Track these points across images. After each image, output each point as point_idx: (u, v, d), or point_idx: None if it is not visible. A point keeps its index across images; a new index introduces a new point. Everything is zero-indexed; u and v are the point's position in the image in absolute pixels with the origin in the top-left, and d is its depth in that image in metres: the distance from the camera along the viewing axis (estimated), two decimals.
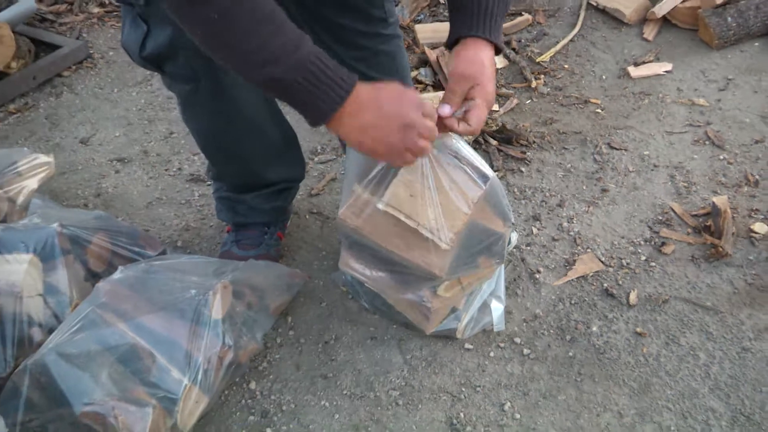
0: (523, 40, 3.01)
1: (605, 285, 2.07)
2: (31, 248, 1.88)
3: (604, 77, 2.83)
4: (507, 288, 2.02)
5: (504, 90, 2.74)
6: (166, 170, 2.52)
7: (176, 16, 1.42)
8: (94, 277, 1.98)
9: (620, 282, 2.08)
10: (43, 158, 2.26)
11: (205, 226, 2.33)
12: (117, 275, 1.88)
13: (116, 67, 2.98)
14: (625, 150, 2.51)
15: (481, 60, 1.63)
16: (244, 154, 2.01)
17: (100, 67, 2.98)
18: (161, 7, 1.60)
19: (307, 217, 2.31)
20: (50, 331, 1.81)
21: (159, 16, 1.65)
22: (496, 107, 2.66)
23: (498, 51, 1.65)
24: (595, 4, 3.10)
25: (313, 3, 1.92)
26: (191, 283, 1.85)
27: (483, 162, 1.69)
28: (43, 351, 1.68)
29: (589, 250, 2.18)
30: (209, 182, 2.38)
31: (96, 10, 3.24)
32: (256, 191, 2.10)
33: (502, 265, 1.92)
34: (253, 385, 1.90)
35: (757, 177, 2.38)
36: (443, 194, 1.61)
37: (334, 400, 1.86)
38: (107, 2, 3.28)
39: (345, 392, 1.87)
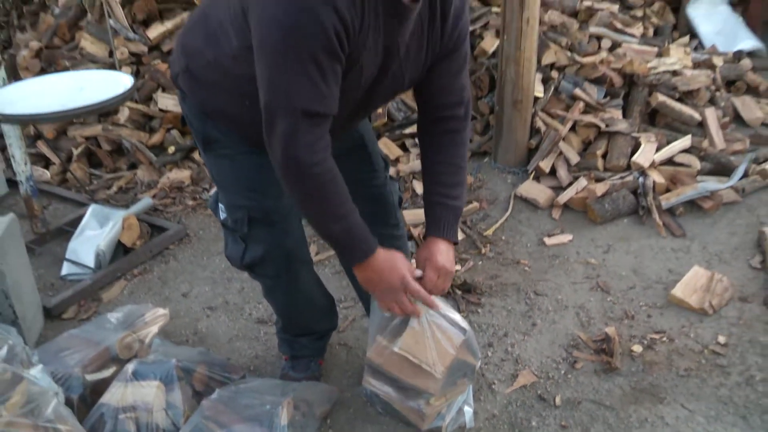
0: (474, 220, 3.05)
1: (539, 392, 2.10)
2: (157, 377, 1.90)
3: (528, 245, 2.86)
4: (474, 395, 2.04)
5: (464, 256, 2.77)
6: (241, 315, 2.53)
7: (287, 189, 1.56)
8: (198, 395, 1.97)
9: (548, 389, 2.11)
10: (161, 311, 2.31)
11: (269, 356, 2.32)
12: (215, 395, 1.91)
13: (204, 242, 3.01)
14: (546, 296, 2.55)
15: (437, 248, 1.71)
16: (302, 317, 2.07)
17: (194, 242, 3.01)
18: (256, 233, 1.74)
19: (337, 347, 2.32)
20: None
21: (253, 238, 1.77)
22: (459, 267, 2.68)
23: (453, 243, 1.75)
24: (519, 195, 3.16)
25: None
26: (266, 400, 1.87)
27: (461, 318, 1.78)
28: None
29: (526, 367, 2.21)
30: (272, 324, 2.41)
31: (190, 202, 3.29)
32: (307, 336, 2.12)
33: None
34: None
35: (633, 313, 2.43)
36: (437, 341, 1.71)
37: None
38: (198, 197, 3.33)
39: None
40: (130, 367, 1.93)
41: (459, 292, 2.55)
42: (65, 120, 3.11)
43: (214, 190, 1.88)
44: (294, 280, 1.93)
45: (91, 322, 2.29)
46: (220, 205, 1.83)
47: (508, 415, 2.04)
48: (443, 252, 1.71)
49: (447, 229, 1.72)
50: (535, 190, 3.15)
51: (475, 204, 3.13)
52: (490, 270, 2.71)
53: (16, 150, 2.81)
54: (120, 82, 2.58)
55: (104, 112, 2.74)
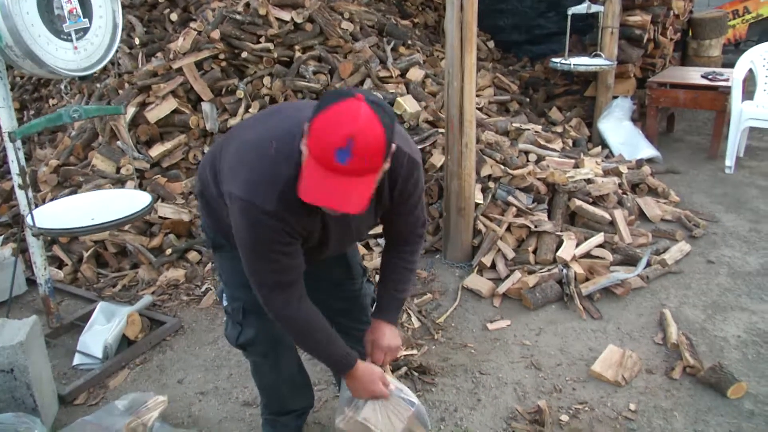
0: (428, 309, 3.13)
1: None
2: None
3: (474, 330, 2.96)
4: None
5: (420, 341, 2.85)
6: (229, 398, 2.57)
7: (277, 322, 1.75)
8: None
9: None
10: (160, 398, 2.34)
11: None
12: None
13: (197, 333, 3.04)
14: (489, 374, 2.64)
15: (382, 331, 1.90)
16: (282, 394, 2.15)
17: (188, 333, 3.05)
18: (249, 320, 1.91)
19: (312, 425, 2.38)
20: None
21: (247, 324, 1.93)
22: (415, 351, 2.77)
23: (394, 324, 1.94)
24: (466, 286, 3.29)
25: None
26: None
27: (410, 392, 1.93)
28: None
29: None
30: (256, 406, 2.47)
31: (184, 298, 3.34)
32: (287, 415, 2.19)
33: None
34: None
35: (560, 387, 2.54)
36: (391, 412, 1.85)
37: None
38: (191, 294, 3.40)
39: None
40: None
41: (416, 374, 2.64)
42: (97, 233, 3.23)
43: (221, 284, 2.04)
44: (278, 360, 2.05)
45: (101, 409, 2.33)
46: (224, 294, 2.01)
47: None
48: (387, 333, 1.90)
49: (391, 314, 1.93)
50: (478, 282, 3.29)
51: (429, 295, 3.25)
52: (442, 353, 2.81)
53: (38, 257, 2.90)
54: (140, 199, 2.74)
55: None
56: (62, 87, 3.81)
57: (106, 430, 2.11)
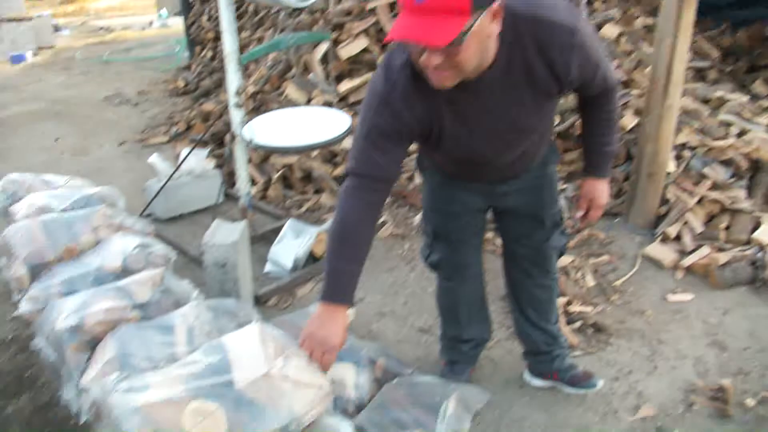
0: (604, 271, 3.09)
1: (658, 423, 2.17)
2: (351, 360, 2.07)
3: (652, 298, 2.88)
4: (599, 419, 2.15)
5: (594, 300, 2.85)
6: (405, 323, 2.73)
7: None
8: (377, 381, 2.12)
9: (667, 423, 2.17)
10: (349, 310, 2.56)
11: (429, 360, 2.49)
12: (395, 382, 2.11)
13: (375, 260, 3.18)
14: (667, 344, 2.58)
15: (598, 189, 1.93)
16: (461, 321, 2.26)
17: (367, 259, 3.25)
18: (438, 244, 2.04)
19: (485, 360, 2.47)
20: (357, 406, 2.00)
21: (435, 247, 2.08)
22: (589, 309, 2.77)
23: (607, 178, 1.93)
24: (646, 254, 3.19)
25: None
26: (436, 392, 2.04)
27: None
28: (360, 416, 1.88)
29: (647, 401, 2.28)
30: (431, 334, 2.60)
31: None
32: (464, 342, 2.30)
33: None
34: None
35: (747, 370, 2.43)
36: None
37: None
38: None
39: None
40: None
41: (590, 331, 2.64)
42: (305, 152, 3.46)
43: None
44: (461, 285, 2.18)
45: (295, 313, 2.51)
46: (423, 215, 2.14)
47: None
48: (604, 192, 1.93)
49: (602, 169, 1.92)
50: (661, 251, 3.18)
51: (606, 257, 3.19)
52: (618, 316, 2.77)
53: (243, 171, 3.20)
54: (342, 120, 2.92)
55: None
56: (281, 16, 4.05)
57: (300, 330, 2.31)
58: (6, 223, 2.89)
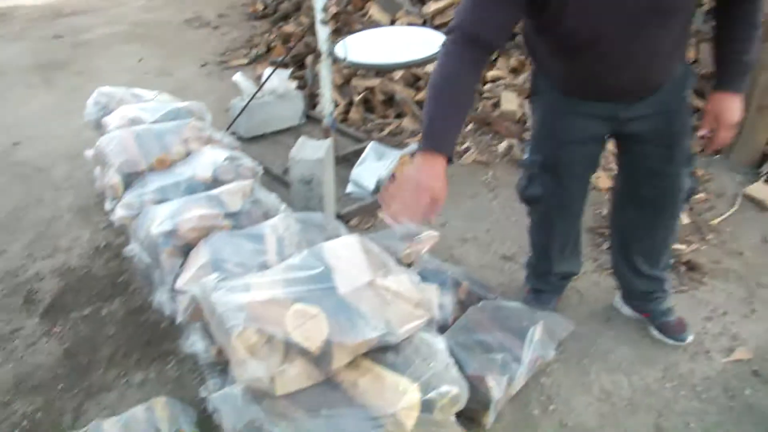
0: (700, 210, 2.95)
1: (753, 368, 2.06)
2: (435, 282, 2.07)
3: (751, 240, 2.73)
4: (689, 358, 2.07)
5: (688, 238, 2.71)
6: (488, 250, 2.69)
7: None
8: (460, 304, 2.14)
9: (764, 367, 2.07)
10: (433, 233, 2.45)
11: (512, 287, 2.46)
12: (480, 305, 2.10)
13: (457, 186, 3.10)
14: (766, 287, 2.44)
15: (729, 106, 1.66)
16: (551, 257, 2.18)
17: (449, 184, 3.16)
18: (542, 178, 1.90)
19: (571, 290, 2.40)
20: (441, 327, 1.94)
21: (538, 181, 1.94)
22: (684, 247, 2.64)
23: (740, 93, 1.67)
24: (748, 194, 3.00)
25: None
26: (522, 318, 2.02)
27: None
28: (450, 339, 1.86)
29: (743, 344, 2.17)
30: (515, 261, 2.55)
31: None
32: (553, 275, 2.24)
33: None
34: (543, 380, 2.03)
35: None
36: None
37: (589, 393, 1.97)
38: None
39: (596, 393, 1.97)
40: (416, 270, 2.15)
41: (683, 269, 2.53)
42: (401, 69, 3.38)
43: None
44: (557, 224, 2.07)
45: (379, 233, 2.51)
46: (527, 145, 1.99)
47: (722, 380, 2.03)
48: (735, 109, 1.67)
49: (735, 83, 1.66)
50: (764, 191, 2.98)
51: (703, 195, 3.03)
52: (713, 255, 2.63)
53: (327, 90, 3.14)
54: (434, 39, 2.81)
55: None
56: None
57: (388, 248, 2.30)
58: (99, 134, 2.98)
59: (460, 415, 1.69)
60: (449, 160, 1.39)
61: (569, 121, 1.78)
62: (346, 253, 1.46)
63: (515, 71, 3.79)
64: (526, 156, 1.99)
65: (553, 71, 1.77)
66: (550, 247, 2.16)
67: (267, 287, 1.37)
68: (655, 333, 2.21)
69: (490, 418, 1.82)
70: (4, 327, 2.40)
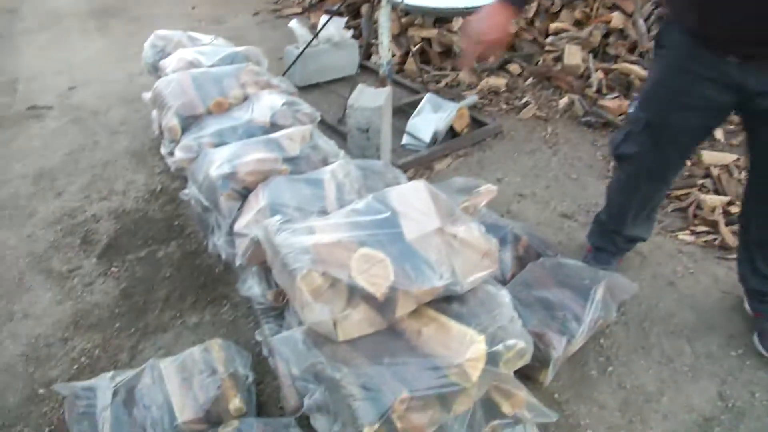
0: None
1: None
2: (496, 235, 1.97)
3: None
4: None
5: None
6: (546, 207, 2.61)
7: None
8: (518, 259, 2.09)
9: None
10: (492, 187, 2.39)
11: (571, 246, 2.39)
12: (540, 261, 2.04)
13: (515, 141, 3.09)
14: None
15: None
16: (626, 219, 2.08)
17: (507, 139, 3.11)
18: (641, 137, 1.78)
19: (633, 254, 2.31)
20: (499, 282, 1.86)
21: (636, 139, 1.81)
22: None
23: None
24: None
25: None
26: (584, 276, 1.94)
27: None
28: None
29: None
30: (574, 220, 2.48)
31: (504, 106, 3.38)
32: (620, 237, 2.15)
33: None
34: (602, 341, 1.98)
35: None
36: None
37: (649, 356, 1.91)
38: (510, 103, 3.40)
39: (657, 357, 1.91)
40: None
41: None
42: (460, 15, 3.28)
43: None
44: (641, 188, 1.95)
45: (436, 185, 2.48)
46: (636, 98, 1.85)
47: None
48: None
49: None
50: None
51: None
52: None
53: (385, 38, 3.05)
54: None
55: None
56: None
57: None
58: (155, 77, 2.98)
59: (516, 372, 1.65)
60: (519, 11, 1.61)
61: (691, 82, 1.62)
62: (414, 199, 1.41)
63: (579, 24, 3.62)
64: (630, 110, 1.86)
65: (686, 7, 1.57)
66: (628, 209, 2.05)
67: (332, 230, 1.34)
68: (757, 342, 1.96)
69: (548, 377, 1.78)
70: (62, 266, 2.45)
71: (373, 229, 1.33)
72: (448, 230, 1.33)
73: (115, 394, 1.69)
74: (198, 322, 2.15)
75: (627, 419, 1.74)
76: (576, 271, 1.98)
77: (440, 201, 1.43)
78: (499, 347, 1.27)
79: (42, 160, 3.21)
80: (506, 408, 1.47)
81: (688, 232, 2.45)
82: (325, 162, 2.02)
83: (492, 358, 1.27)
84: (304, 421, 1.64)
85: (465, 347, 1.24)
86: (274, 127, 2.23)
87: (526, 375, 1.78)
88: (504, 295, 1.44)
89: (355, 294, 1.26)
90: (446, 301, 1.37)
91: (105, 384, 1.73)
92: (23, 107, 3.82)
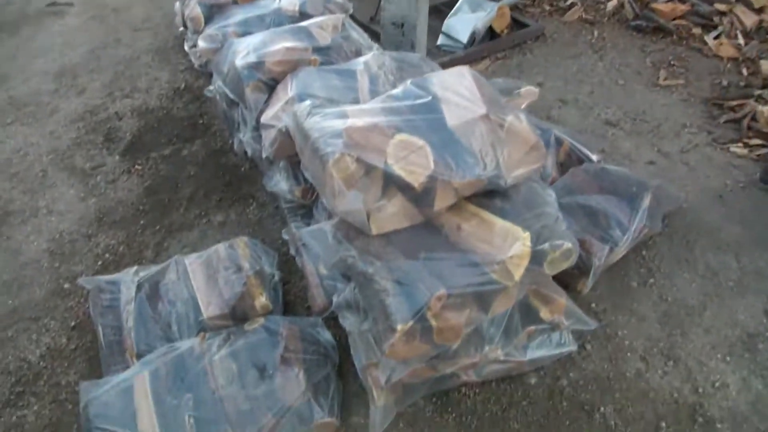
0: None
1: None
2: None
3: None
4: None
5: None
6: (590, 113, 2.47)
7: None
8: (560, 165, 1.98)
9: None
10: (533, 89, 2.25)
11: (614, 154, 2.27)
12: (583, 167, 1.92)
13: (558, 45, 2.93)
14: None
15: None
16: None
17: (549, 43, 2.94)
18: None
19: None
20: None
21: None
22: None
23: None
24: None
25: None
26: (631, 183, 1.84)
27: None
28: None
29: None
30: (619, 128, 2.33)
31: (547, 8, 3.20)
32: None
33: None
34: (644, 252, 1.89)
35: None
36: None
37: (692, 270, 1.82)
38: (554, 4, 3.21)
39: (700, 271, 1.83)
40: None
41: None
42: None
43: None
44: None
45: None
46: None
47: None
48: None
49: None
50: None
51: None
52: None
53: None
54: None
55: None
56: None
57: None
58: None
59: (553, 278, 1.57)
60: None
61: None
62: (457, 85, 1.28)
63: None
64: None
65: None
66: None
67: (366, 115, 1.22)
68: None
69: (587, 285, 1.70)
70: (85, 163, 2.39)
71: (412, 114, 1.22)
72: (494, 118, 1.21)
73: (139, 288, 1.65)
74: (223, 221, 2.09)
75: (667, 332, 1.67)
76: (622, 178, 1.87)
77: (486, 88, 1.30)
78: (545, 246, 1.18)
79: (63, 58, 3.10)
80: (545, 314, 1.40)
81: (740, 144, 2.30)
82: (358, 54, 1.89)
83: (536, 257, 1.18)
84: (331, 322, 1.60)
85: (508, 244, 1.15)
86: (303, 16, 2.08)
87: (564, 282, 1.69)
88: (549, 194, 1.34)
89: (390, 183, 1.16)
90: (488, 196, 1.27)
91: (129, 278, 1.70)
92: (43, 4, 3.69)
